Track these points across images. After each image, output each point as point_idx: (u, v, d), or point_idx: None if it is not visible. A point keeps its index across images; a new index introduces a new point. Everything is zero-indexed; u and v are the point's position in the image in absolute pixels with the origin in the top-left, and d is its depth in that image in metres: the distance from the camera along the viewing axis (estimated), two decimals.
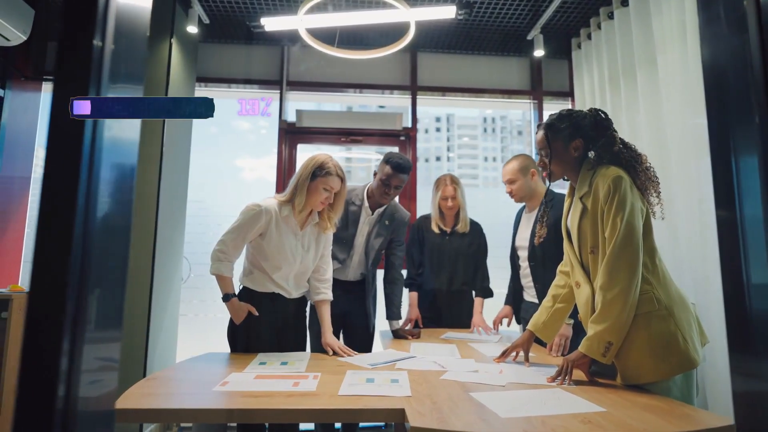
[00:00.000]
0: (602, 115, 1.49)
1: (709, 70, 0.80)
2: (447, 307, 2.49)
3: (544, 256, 2.04)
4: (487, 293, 2.48)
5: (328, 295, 1.94)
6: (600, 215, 1.41)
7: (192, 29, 2.82)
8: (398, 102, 3.60)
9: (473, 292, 2.53)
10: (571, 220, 1.54)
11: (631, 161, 1.43)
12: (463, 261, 2.48)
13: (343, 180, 1.84)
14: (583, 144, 1.48)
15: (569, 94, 3.38)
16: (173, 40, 2.75)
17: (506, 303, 2.40)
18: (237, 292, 1.84)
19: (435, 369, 1.54)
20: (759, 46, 0.70)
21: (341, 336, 2.27)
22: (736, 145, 0.75)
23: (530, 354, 1.82)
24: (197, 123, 3.39)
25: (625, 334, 1.34)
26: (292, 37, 3.06)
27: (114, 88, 0.67)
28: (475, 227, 2.55)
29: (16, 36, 2.64)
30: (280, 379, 1.36)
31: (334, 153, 3.63)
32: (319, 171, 1.78)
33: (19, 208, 3.07)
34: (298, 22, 2.06)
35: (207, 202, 3.33)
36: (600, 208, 1.40)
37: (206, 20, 3.00)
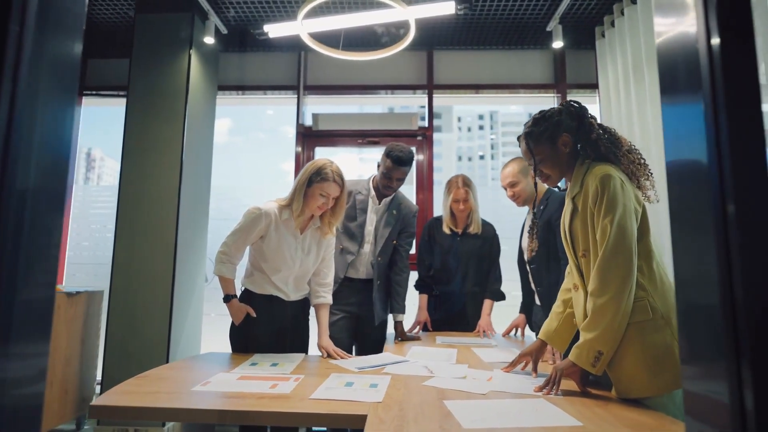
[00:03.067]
0: (575, 105, 1.42)
1: (662, 55, 0.73)
2: (458, 310, 2.43)
3: (547, 257, 1.94)
4: (498, 296, 2.40)
5: (327, 299, 1.95)
6: (590, 217, 1.32)
7: (209, 40, 2.93)
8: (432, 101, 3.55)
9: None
10: (564, 220, 1.46)
11: (610, 147, 1.34)
12: (475, 263, 2.41)
13: (341, 186, 1.83)
14: (571, 138, 1.40)
15: (596, 86, 3.20)
16: (192, 51, 2.87)
17: (520, 311, 2.32)
18: (240, 293, 1.90)
19: (422, 374, 1.50)
20: (704, 31, 0.63)
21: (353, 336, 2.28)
22: (687, 133, 0.68)
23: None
24: (244, 130, 3.52)
25: (617, 344, 1.25)
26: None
27: (34, 90, 0.65)
28: (488, 228, 2.47)
29: None
30: (261, 381, 1.38)
31: (368, 155, 3.64)
32: (315, 176, 1.79)
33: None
34: (299, 27, 2.08)
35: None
36: (589, 209, 1.31)
37: (224, 30, 3.11)
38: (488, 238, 2.44)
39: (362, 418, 1.09)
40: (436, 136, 3.38)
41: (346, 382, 1.38)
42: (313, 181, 1.79)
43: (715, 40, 0.60)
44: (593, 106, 3.30)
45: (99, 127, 3.88)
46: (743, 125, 0.58)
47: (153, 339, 2.66)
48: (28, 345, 0.68)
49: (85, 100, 3.48)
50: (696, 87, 0.64)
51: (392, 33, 2.92)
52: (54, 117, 0.72)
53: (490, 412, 1.12)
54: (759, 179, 0.57)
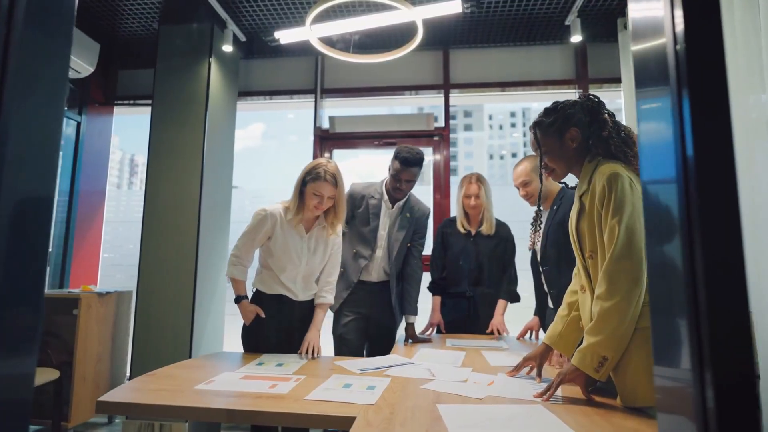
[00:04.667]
0: (594, 99, 1.36)
1: (636, 54, 0.70)
2: (471, 312, 2.40)
3: (559, 258, 1.88)
4: (513, 297, 2.35)
5: (327, 299, 1.97)
6: (597, 217, 1.27)
7: (227, 48, 3.01)
8: (460, 100, 3.54)
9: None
10: (572, 220, 1.41)
11: (621, 146, 1.29)
12: (488, 264, 2.38)
13: (335, 185, 1.83)
14: (579, 133, 1.35)
15: (619, 79, 3.08)
16: (212, 59, 2.97)
17: (535, 314, 2.26)
18: (251, 295, 1.95)
19: (423, 377, 1.49)
20: (671, 30, 0.60)
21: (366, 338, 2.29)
22: (656, 129, 0.65)
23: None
24: (277, 133, 3.61)
25: (623, 350, 1.20)
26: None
27: (21, 93, 0.65)
28: (502, 228, 2.43)
29: (85, 68, 3.03)
30: (262, 380, 1.41)
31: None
32: (308, 176, 1.82)
33: (96, 217, 3.51)
34: (308, 33, 2.12)
35: None
36: (596, 209, 1.27)
37: (242, 38, 3.19)
38: (502, 239, 2.40)
39: (352, 420, 1.10)
40: (466, 134, 3.37)
41: (345, 384, 1.38)
42: (306, 180, 1.82)
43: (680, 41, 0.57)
44: (618, 101, 3.18)
45: (142, 135, 4.07)
46: (708, 120, 0.55)
47: (176, 338, 2.77)
48: (15, 349, 0.72)
49: (116, 109, 3.66)
50: (664, 78, 0.61)
51: (346, 40, 2.89)
52: (42, 120, 0.73)
53: (481, 418, 1.10)
54: (724, 180, 0.54)
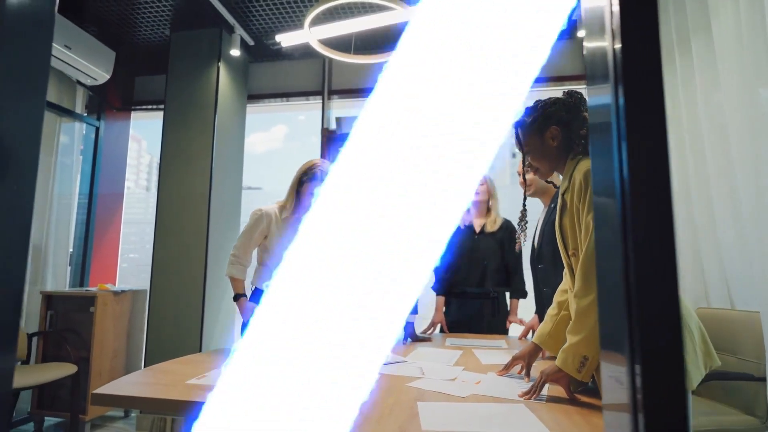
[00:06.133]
0: (575, 95, 1.34)
1: (587, 51, 0.69)
2: (474, 311, 2.38)
3: (554, 257, 1.85)
4: (522, 294, 2.35)
5: None
6: (577, 214, 1.26)
7: (235, 52, 3.08)
8: None
9: (506, 296, 2.41)
10: (556, 218, 1.40)
11: None
12: (493, 263, 2.36)
13: None
14: (560, 131, 1.33)
15: None
16: (220, 64, 3.05)
17: (535, 312, 2.23)
18: (251, 293, 2.00)
19: (413, 375, 1.50)
20: (609, 18, 0.60)
21: None
22: (599, 128, 0.64)
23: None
24: (298, 134, 3.67)
25: None
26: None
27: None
28: (507, 226, 2.40)
29: (101, 75, 3.15)
30: None
31: None
32: (304, 176, 1.86)
33: (114, 219, 3.65)
34: (308, 35, 2.15)
35: None
36: (575, 205, 1.25)
37: (251, 42, 3.26)
38: (507, 237, 2.38)
39: None
40: None
41: None
42: (303, 181, 1.85)
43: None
44: None
45: None
46: (642, 110, 0.54)
47: (188, 334, 2.85)
48: None
49: (133, 114, 3.80)
50: (604, 69, 0.61)
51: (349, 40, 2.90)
52: (20, 122, 0.78)
53: (459, 416, 1.10)
54: (656, 181, 0.53)
